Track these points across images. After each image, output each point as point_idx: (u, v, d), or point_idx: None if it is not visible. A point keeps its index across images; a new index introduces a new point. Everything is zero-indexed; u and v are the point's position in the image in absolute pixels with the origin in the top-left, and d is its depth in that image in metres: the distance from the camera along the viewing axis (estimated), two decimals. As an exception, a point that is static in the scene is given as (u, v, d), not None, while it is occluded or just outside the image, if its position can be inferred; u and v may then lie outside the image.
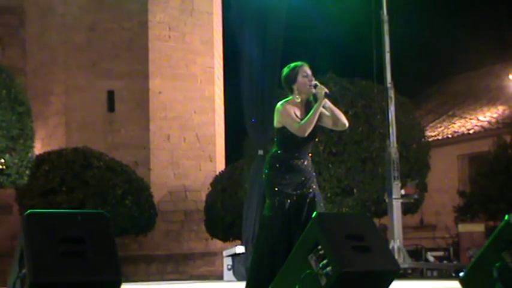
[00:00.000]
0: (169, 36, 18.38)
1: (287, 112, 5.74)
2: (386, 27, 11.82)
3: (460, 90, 24.94)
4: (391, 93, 11.74)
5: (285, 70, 5.92)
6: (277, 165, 5.78)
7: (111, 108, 17.95)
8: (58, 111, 18.16)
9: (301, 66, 5.86)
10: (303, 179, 5.78)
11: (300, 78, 5.82)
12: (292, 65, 5.91)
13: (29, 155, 12.21)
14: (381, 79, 11.90)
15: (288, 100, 5.84)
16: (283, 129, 5.78)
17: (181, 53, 18.50)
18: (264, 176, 5.88)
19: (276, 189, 5.73)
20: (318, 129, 5.87)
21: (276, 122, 5.82)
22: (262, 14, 11.34)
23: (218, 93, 19.55)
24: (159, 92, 18.08)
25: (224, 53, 20.22)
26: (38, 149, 14.85)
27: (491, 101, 22.77)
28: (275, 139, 5.92)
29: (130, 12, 18.09)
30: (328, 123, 5.90)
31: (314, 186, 5.83)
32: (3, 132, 11.57)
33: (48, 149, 16.53)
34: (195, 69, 18.72)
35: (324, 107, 5.80)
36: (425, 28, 25.62)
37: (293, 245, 5.30)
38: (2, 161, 11.57)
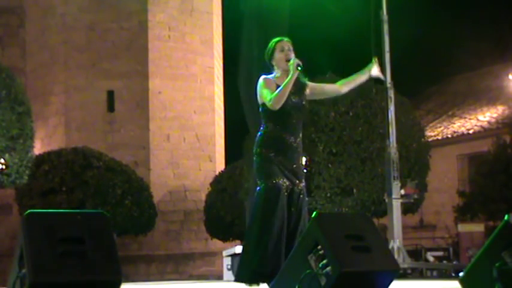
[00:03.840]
0: (169, 36, 18.38)
1: (265, 85, 5.72)
2: (386, 27, 11.79)
3: (460, 90, 24.92)
4: (391, 93, 11.71)
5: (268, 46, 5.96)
6: (268, 141, 5.69)
7: (110, 108, 17.95)
8: (58, 111, 18.17)
9: (278, 41, 5.87)
10: (294, 164, 5.70)
11: (276, 54, 5.83)
12: (272, 40, 5.92)
13: (29, 155, 12.22)
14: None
15: (270, 75, 5.83)
16: (264, 105, 5.73)
17: (181, 53, 18.50)
18: (255, 156, 5.75)
19: (269, 168, 5.63)
20: (305, 110, 5.87)
21: (259, 97, 5.78)
22: (263, 14, 11.35)
23: (218, 93, 19.55)
24: (159, 92, 18.08)
25: (224, 53, 20.22)
26: (38, 149, 14.85)
27: (491, 101, 22.76)
28: (262, 118, 5.82)
29: (130, 12, 18.10)
30: (326, 93, 6.12)
31: (303, 183, 5.79)
32: (3, 132, 11.57)
33: (48, 149, 16.53)
34: (195, 69, 18.72)
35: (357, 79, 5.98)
36: (425, 28, 25.59)
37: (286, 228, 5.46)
38: (2, 160, 11.57)
